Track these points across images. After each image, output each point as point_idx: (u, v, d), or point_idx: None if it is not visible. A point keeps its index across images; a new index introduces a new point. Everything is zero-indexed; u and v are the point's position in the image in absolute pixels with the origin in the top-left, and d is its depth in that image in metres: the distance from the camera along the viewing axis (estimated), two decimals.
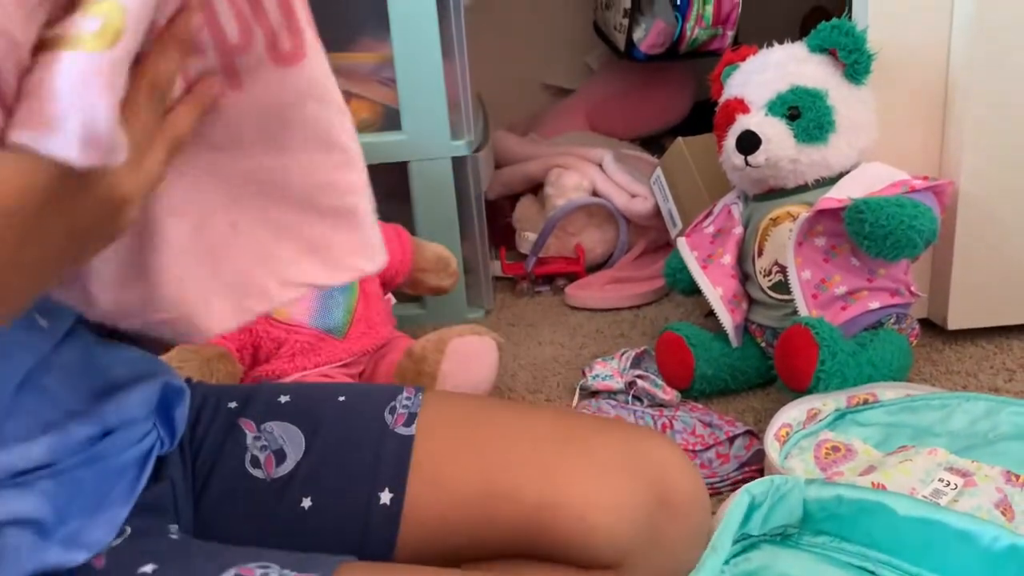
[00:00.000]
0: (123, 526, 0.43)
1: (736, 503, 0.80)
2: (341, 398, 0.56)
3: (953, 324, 1.22)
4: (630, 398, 1.14)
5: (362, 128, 1.39)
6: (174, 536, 0.47)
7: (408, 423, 0.54)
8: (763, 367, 1.16)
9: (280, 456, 0.53)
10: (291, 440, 0.53)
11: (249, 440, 0.53)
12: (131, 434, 0.45)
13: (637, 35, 1.70)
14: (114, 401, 0.44)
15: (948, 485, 0.82)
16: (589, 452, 0.54)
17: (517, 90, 2.01)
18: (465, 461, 0.53)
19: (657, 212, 1.55)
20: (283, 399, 0.55)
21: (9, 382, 0.39)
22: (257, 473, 0.52)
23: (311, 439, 0.53)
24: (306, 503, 0.52)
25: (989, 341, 1.22)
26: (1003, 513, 0.79)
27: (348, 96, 1.40)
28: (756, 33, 1.37)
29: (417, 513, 0.52)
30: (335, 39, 1.39)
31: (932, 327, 1.25)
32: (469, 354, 1.13)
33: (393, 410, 0.54)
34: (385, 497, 0.51)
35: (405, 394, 0.55)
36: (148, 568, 0.39)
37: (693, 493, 0.56)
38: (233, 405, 0.54)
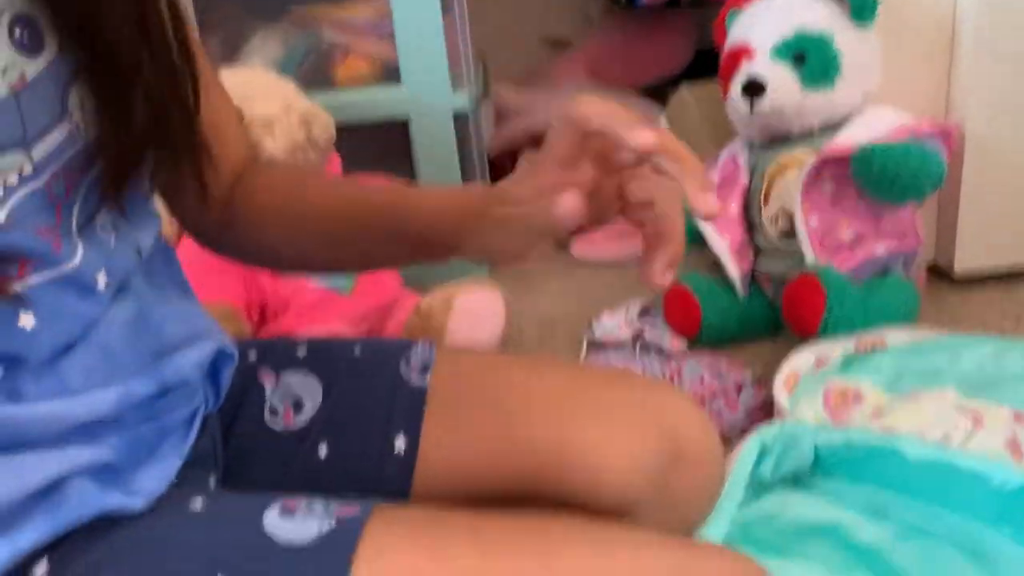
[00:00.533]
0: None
1: (747, 449, 0.81)
2: (357, 350, 0.56)
3: (960, 269, 1.22)
4: (637, 349, 1.14)
5: (360, 82, 1.38)
6: (212, 485, 0.49)
7: (422, 373, 0.54)
8: (770, 315, 1.16)
9: (298, 406, 0.53)
10: (308, 390, 0.54)
11: (268, 391, 0.54)
12: (185, 394, 0.46)
13: None
14: (172, 361, 0.45)
15: (958, 427, 0.82)
16: (601, 404, 0.54)
17: (517, 44, 1.98)
18: (477, 411, 0.53)
19: None
20: (301, 351, 0.56)
21: (48, 347, 0.40)
22: (275, 422, 0.53)
23: (328, 389, 0.54)
24: (322, 451, 0.52)
25: (996, 286, 1.22)
26: (1012, 453, 0.80)
27: (346, 50, 1.39)
28: None
29: (430, 461, 0.52)
30: None
31: (939, 273, 1.25)
32: (476, 310, 1.13)
33: (408, 361, 0.55)
34: (399, 445, 0.52)
35: (420, 346, 0.56)
36: (197, 504, 0.41)
37: (707, 446, 0.56)
38: (253, 357, 0.55)
